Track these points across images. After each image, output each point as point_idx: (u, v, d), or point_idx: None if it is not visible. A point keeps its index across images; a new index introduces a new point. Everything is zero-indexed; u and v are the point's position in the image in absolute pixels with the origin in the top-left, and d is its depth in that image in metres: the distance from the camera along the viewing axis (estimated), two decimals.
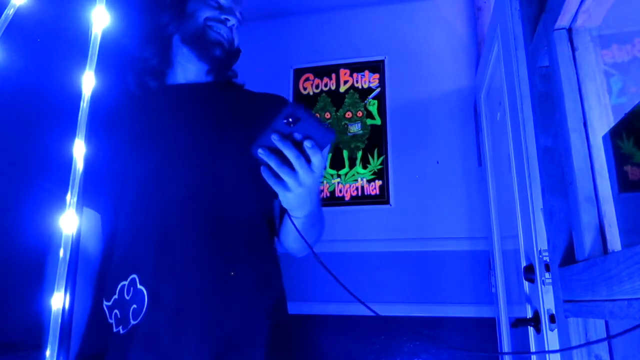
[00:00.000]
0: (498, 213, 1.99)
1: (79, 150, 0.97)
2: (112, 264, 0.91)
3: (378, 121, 2.50)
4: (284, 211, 0.91)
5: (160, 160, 0.91)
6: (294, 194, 0.69)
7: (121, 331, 0.83)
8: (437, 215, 2.30)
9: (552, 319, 1.13)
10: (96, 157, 0.96)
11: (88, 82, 1.02)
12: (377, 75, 2.56)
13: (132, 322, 0.82)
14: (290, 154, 0.65)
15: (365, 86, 2.57)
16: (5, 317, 1.21)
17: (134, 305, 0.83)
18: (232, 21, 1.01)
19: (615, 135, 0.64)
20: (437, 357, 2.15)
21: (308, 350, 2.23)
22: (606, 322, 0.75)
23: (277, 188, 0.69)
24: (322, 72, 2.64)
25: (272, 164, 0.66)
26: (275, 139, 0.64)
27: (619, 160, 0.63)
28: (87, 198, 0.94)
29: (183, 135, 0.93)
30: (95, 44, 1.02)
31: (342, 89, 2.60)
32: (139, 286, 0.83)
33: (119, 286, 0.86)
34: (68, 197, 0.94)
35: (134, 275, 0.85)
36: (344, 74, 2.61)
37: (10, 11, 1.06)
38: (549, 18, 0.84)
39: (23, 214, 1.24)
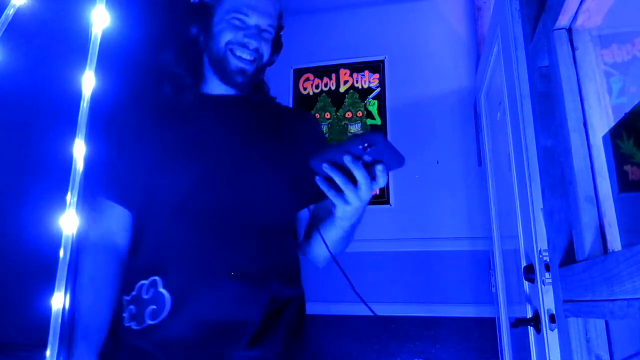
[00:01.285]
0: (498, 213, 1.99)
1: (79, 150, 0.97)
2: (135, 262, 0.93)
3: (378, 121, 2.50)
4: (313, 223, 0.98)
5: (192, 168, 0.92)
6: (353, 207, 0.76)
7: (133, 327, 0.86)
8: (437, 215, 2.30)
9: (552, 319, 1.13)
10: (129, 157, 0.98)
11: (88, 82, 1.02)
12: (377, 75, 2.56)
13: (149, 322, 0.85)
14: (360, 174, 0.71)
15: (365, 86, 2.57)
16: (5, 317, 1.21)
17: (153, 306, 0.85)
18: (253, 44, 0.97)
19: (615, 135, 0.64)
20: (437, 357, 2.15)
21: (308, 350, 2.23)
22: (606, 322, 0.75)
23: (336, 200, 0.76)
24: (322, 72, 2.64)
25: (338, 180, 0.72)
26: (348, 160, 0.70)
27: (619, 160, 0.63)
28: (120, 195, 0.97)
29: (215, 145, 0.95)
30: (95, 44, 1.02)
31: (342, 89, 2.60)
32: (160, 289, 0.86)
33: (138, 284, 0.89)
34: (68, 197, 0.94)
35: (155, 278, 0.87)
36: (344, 74, 2.61)
37: (10, 11, 1.06)
38: (549, 18, 0.84)
39: (23, 214, 1.24)
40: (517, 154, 1.41)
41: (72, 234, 0.92)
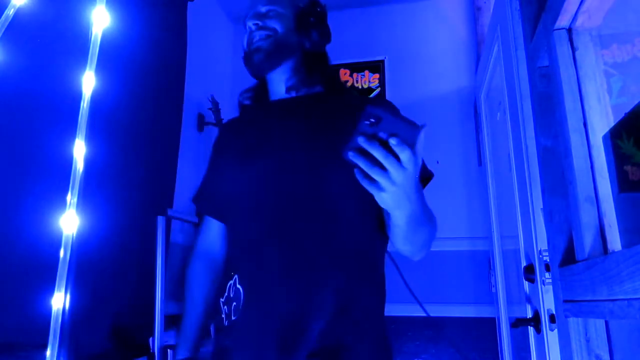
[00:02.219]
0: (498, 213, 1.99)
1: (79, 150, 0.97)
2: (225, 265, 1.02)
3: None
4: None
5: (259, 171, 0.96)
6: (388, 193, 0.69)
7: (226, 325, 0.92)
8: (437, 215, 2.29)
9: (552, 319, 1.13)
10: (218, 171, 1.06)
11: (88, 82, 1.02)
12: (377, 75, 2.56)
13: (233, 318, 0.90)
14: (378, 154, 0.65)
15: (365, 86, 2.57)
16: (5, 317, 1.21)
17: (234, 302, 0.90)
18: (253, 21, 1.03)
19: (615, 135, 0.64)
20: (437, 357, 2.15)
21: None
22: (606, 322, 0.75)
23: (371, 189, 0.69)
24: None
25: (362, 165, 0.66)
26: (361, 141, 0.65)
27: (619, 160, 0.63)
28: (210, 208, 1.09)
29: (279, 146, 0.97)
30: (96, 44, 1.02)
31: None
32: (237, 285, 0.90)
33: (228, 285, 0.94)
34: (68, 197, 0.94)
35: (235, 275, 0.92)
36: (344, 74, 2.61)
37: (10, 11, 1.06)
38: (549, 18, 0.84)
39: (23, 214, 1.24)
40: (517, 154, 1.41)
41: (72, 234, 0.92)
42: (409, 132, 0.64)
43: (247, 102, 1.11)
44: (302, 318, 0.85)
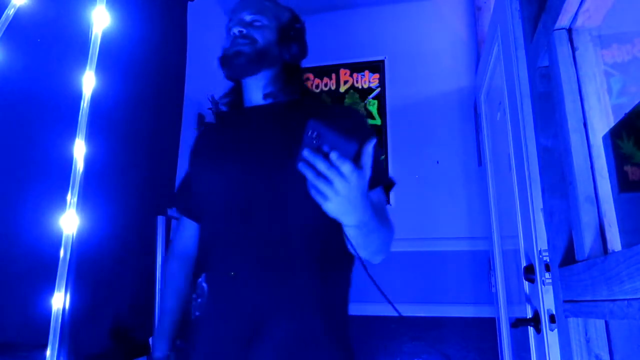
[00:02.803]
0: (498, 213, 1.99)
1: (79, 150, 0.97)
2: (196, 263, 1.10)
3: (378, 121, 2.50)
4: None
5: (229, 174, 1.00)
6: (333, 203, 0.72)
7: (193, 317, 1.02)
8: (437, 215, 2.30)
9: (552, 319, 1.13)
10: (194, 173, 1.08)
11: (88, 82, 1.02)
12: (377, 75, 2.56)
13: (197, 313, 0.98)
14: (321, 165, 0.69)
15: (365, 86, 2.57)
16: (5, 317, 1.21)
17: (200, 299, 1.00)
18: (237, 29, 1.05)
19: (615, 135, 0.64)
20: (437, 357, 2.15)
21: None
22: (606, 322, 0.75)
23: (317, 198, 0.73)
24: (322, 72, 2.64)
25: (309, 175, 0.70)
26: (306, 154, 0.69)
27: (619, 160, 0.63)
28: (186, 208, 1.14)
29: (250, 151, 1.01)
30: (96, 44, 1.02)
31: (342, 89, 2.60)
32: (203, 283, 0.99)
33: (198, 282, 1.03)
34: (68, 197, 0.94)
35: (203, 273, 1.01)
36: (344, 74, 2.61)
37: (10, 11, 1.06)
38: (549, 18, 0.84)
39: (23, 214, 1.24)
40: (517, 154, 1.41)
41: (72, 234, 0.92)
42: (348, 146, 0.68)
43: (223, 108, 1.15)
44: (262, 315, 0.90)
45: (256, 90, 1.07)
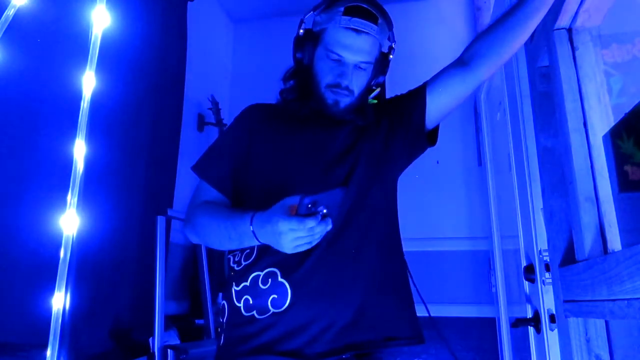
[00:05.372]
0: (498, 213, 1.99)
1: (79, 150, 0.98)
2: (239, 255, 0.99)
3: None
4: None
5: (288, 167, 1.01)
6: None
7: (256, 316, 0.91)
8: (437, 215, 2.30)
9: (552, 318, 1.13)
10: (238, 149, 1.03)
11: (88, 82, 1.02)
12: None
13: (273, 310, 0.90)
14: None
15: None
16: (5, 317, 1.21)
17: (274, 296, 0.90)
18: (345, 82, 1.02)
19: (615, 135, 0.64)
20: (437, 357, 2.15)
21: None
22: (606, 322, 0.75)
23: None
24: None
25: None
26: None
27: (619, 160, 0.63)
28: (220, 180, 1.03)
29: (313, 150, 1.02)
30: (96, 44, 1.02)
31: None
32: (279, 279, 0.91)
33: (252, 275, 0.93)
34: (68, 197, 0.95)
35: (273, 269, 0.92)
36: None
37: (10, 11, 1.06)
38: (549, 18, 0.84)
39: (23, 214, 1.24)
40: (517, 154, 1.41)
41: (72, 234, 0.92)
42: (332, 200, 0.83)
43: (291, 96, 1.09)
44: (335, 316, 0.90)
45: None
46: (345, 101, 1.03)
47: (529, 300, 1.35)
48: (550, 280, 1.09)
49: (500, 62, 1.03)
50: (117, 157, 1.51)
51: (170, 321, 1.70)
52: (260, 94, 1.19)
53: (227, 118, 2.29)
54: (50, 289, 0.91)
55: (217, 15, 2.71)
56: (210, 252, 1.98)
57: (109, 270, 1.47)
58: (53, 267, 0.92)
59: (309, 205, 0.81)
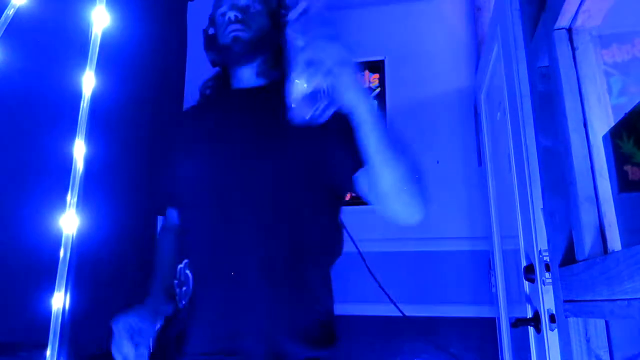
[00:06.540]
0: (498, 213, 1.99)
1: (79, 150, 0.97)
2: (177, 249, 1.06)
3: None
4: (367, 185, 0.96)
5: (210, 158, 0.99)
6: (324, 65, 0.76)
7: (180, 306, 0.96)
8: (437, 215, 2.30)
9: (552, 318, 1.13)
10: (171, 159, 1.05)
11: (88, 82, 1.02)
12: (377, 75, 2.56)
13: (183, 302, 0.94)
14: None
15: (365, 86, 2.57)
16: (5, 317, 1.21)
17: (184, 287, 0.95)
18: (231, 13, 1.02)
19: (615, 135, 0.64)
20: (437, 357, 2.15)
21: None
22: (606, 322, 0.75)
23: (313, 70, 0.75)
24: None
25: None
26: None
27: (619, 160, 0.63)
28: (165, 198, 1.10)
29: (234, 134, 0.99)
30: (96, 44, 1.02)
31: None
32: (186, 270, 0.95)
33: (178, 268, 0.97)
34: (68, 197, 0.95)
35: (186, 260, 0.96)
36: None
37: (10, 11, 1.06)
38: (549, 18, 0.84)
39: (23, 214, 1.24)
40: (517, 154, 1.41)
41: (72, 234, 0.92)
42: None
43: (208, 91, 1.12)
44: (252, 307, 0.89)
45: (248, 71, 1.05)
46: (244, 36, 1.02)
47: (529, 300, 1.35)
48: (550, 280, 1.09)
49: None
50: (117, 157, 1.51)
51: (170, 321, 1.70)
52: None
53: None
54: (50, 289, 0.91)
55: None
56: None
57: (109, 270, 1.47)
58: (53, 266, 0.92)
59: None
